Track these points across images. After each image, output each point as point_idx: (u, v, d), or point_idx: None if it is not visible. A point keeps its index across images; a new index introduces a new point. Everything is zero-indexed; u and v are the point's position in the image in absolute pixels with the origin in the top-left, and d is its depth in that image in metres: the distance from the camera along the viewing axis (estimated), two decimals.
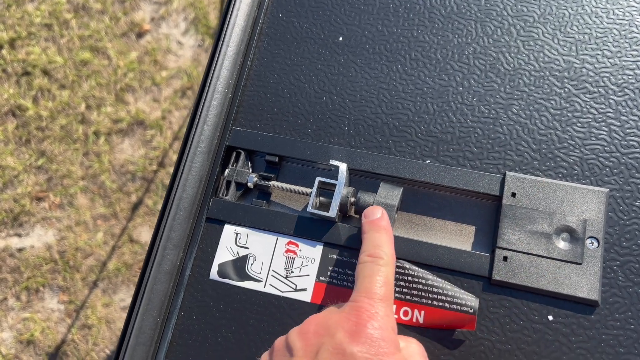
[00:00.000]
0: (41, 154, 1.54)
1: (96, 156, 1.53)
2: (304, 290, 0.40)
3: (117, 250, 1.44)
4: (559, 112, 0.42)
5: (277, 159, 0.43)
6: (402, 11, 0.46)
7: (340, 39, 0.46)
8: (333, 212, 0.40)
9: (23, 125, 1.59)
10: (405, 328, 0.38)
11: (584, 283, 0.37)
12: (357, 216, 0.42)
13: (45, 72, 1.65)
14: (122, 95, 1.59)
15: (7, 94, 1.60)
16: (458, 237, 0.41)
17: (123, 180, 1.50)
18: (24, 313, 1.40)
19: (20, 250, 1.46)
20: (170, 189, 0.41)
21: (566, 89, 0.42)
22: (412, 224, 0.42)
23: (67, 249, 1.44)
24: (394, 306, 0.38)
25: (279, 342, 0.33)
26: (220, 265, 0.41)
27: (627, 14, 0.44)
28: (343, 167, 0.41)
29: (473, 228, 0.41)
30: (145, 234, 1.42)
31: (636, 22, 0.43)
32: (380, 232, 0.36)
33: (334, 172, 0.42)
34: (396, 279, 0.39)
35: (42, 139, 1.56)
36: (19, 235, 1.48)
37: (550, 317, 0.37)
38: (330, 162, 0.41)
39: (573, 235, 0.38)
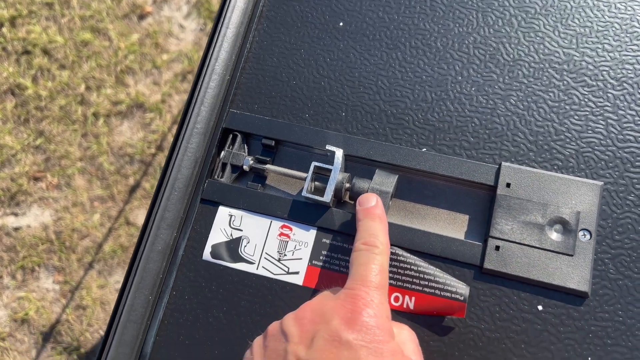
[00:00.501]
0: (39, 134, 1.54)
1: (95, 138, 1.52)
2: (297, 273, 0.40)
3: (114, 232, 1.44)
4: (556, 105, 0.42)
5: (273, 143, 0.43)
6: None
7: (341, 24, 0.46)
8: (327, 197, 0.40)
9: (22, 104, 1.58)
10: (395, 314, 0.38)
11: (574, 274, 0.37)
12: (352, 202, 0.42)
13: (46, 52, 1.64)
14: (122, 77, 1.58)
15: (7, 72, 1.59)
16: (451, 226, 0.41)
17: (121, 162, 1.50)
18: (19, 292, 1.40)
19: (16, 229, 1.46)
20: (165, 169, 0.41)
21: (565, 82, 0.42)
22: (406, 211, 0.42)
23: (63, 230, 1.45)
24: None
25: (273, 327, 0.34)
26: (214, 247, 0.41)
27: (629, 8, 0.43)
28: (339, 152, 0.41)
29: (467, 217, 0.41)
30: (142, 217, 1.42)
31: (637, 17, 0.43)
32: (375, 220, 0.36)
33: (329, 158, 0.42)
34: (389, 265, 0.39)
35: (41, 118, 1.55)
36: (16, 215, 1.48)
37: (540, 307, 0.37)
38: (327, 148, 0.41)
39: (566, 227, 0.38)
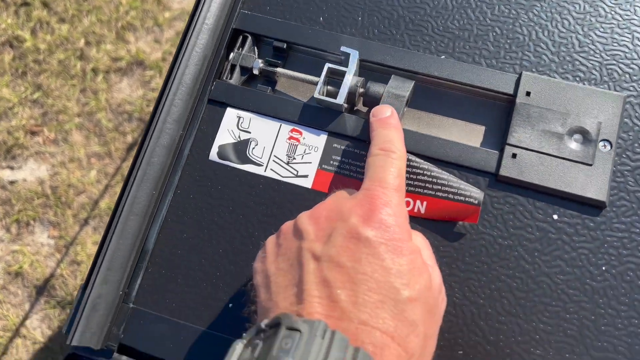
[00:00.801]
0: (37, 88, 1.51)
1: (93, 94, 1.50)
2: (306, 177, 0.39)
3: (110, 189, 1.42)
4: (581, 17, 0.40)
5: (285, 46, 0.42)
6: None
7: None
8: (341, 99, 0.38)
9: (20, 57, 1.55)
10: None
11: (592, 184, 0.36)
12: (365, 109, 0.41)
13: (45, 4, 1.60)
14: (123, 33, 1.55)
15: (5, 24, 1.55)
16: (467, 136, 0.40)
17: (119, 119, 1.48)
18: (14, 245, 1.39)
19: (12, 182, 1.44)
20: (173, 65, 0.40)
21: None
22: (422, 120, 0.41)
23: (59, 185, 1.43)
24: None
25: (287, 226, 0.32)
26: (221, 147, 0.40)
27: None
28: (354, 54, 0.39)
29: (483, 128, 0.40)
30: None
31: None
32: (391, 129, 0.35)
33: (344, 62, 0.40)
34: None
35: (39, 72, 1.52)
36: (12, 168, 1.46)
37: (555, 217, 0.36)
38: (342, 50, 0.39)
39: (586, 137, 0.37)
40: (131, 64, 1.51)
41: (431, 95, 0.41)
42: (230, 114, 0.40)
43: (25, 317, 1.32)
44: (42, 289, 1.36)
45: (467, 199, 0.36)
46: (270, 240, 0.32)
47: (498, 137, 0.39)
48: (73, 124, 1.45)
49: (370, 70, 0.42)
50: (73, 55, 1.51)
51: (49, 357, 1.29)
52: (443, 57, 0.40)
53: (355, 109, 0.41)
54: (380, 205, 0.30)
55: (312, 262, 0.28)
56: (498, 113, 0.40)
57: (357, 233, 0.28)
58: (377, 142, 0.34)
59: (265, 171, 0.39)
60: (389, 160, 0.33)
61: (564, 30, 0.40)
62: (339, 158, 0.39)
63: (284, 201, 0.38)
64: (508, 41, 0.40)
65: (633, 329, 0.34)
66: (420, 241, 0.34)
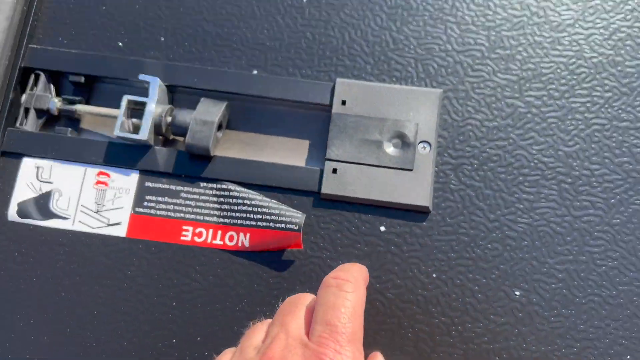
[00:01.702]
0: None
1: None
2: (118, 224, 0.35)
3: None
4: (393, 11, 0.38)
5: (83, 79, 0.37)
6: None
7: None
8: (144, 134, 0.35)
9: None
10: (232, 254, 0.35)
11: (415, 190, 0.35)
12: (181, 139, 0.38)
13: None
14: None
15: None
16: (292, 153, 0.38)
17: None
18: None
19: None
20: None
21: None
22: (242, 143, 0.38)
23: None
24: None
25: None
26: (20, 204, 0.36)
27: None
28: (155, 81, 0.36)
29: (307, 142, 0.38)
30: None
31: None
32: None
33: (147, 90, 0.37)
34: (221, 203, 0.35)
35: None
36: None
37: (383, 228, 0.35)
38: (140, 78, 0.36)
39: (404, 141, 0.36)
40: None
41: (251, 113, 0.38)
42: (27, 164, 0.36)
43: None
44: None
45: (288, 225, 0.34)
46: None
47: (322, 151, 0.37)
48: None
49: (182, 94, 0.38)
50: None
51: None
52: (255, 72, 0.38)
53: (171, 139, 0.38)
54: None
55: None
56: (321, 125, 0.38)
57: None
58: (334, 271, 0.29)
59: (73, 224, 0.35)
60: (341, 295, 0.27)
61: (377, 28, 0.38)
62: (154, 198, 0.36)
63: (97, 255, 0.35)
64: (321, 47, 0.38)
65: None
66: None
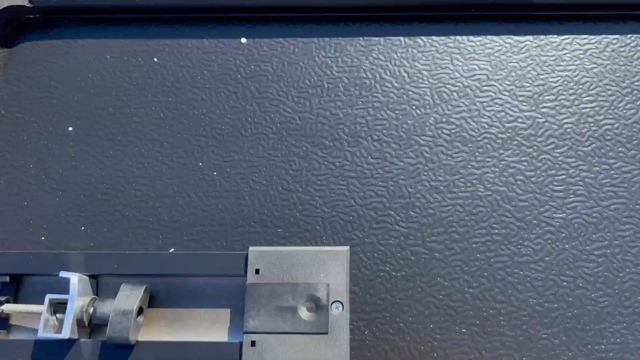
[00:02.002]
0: None
1: None
2: None
3: None
4: (298, 173, 0.41)
5: (8, 279, 0.39)
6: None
7: (70, 128, 0.43)
8: (66, 333, 0.36)
9: None
10: None
11: (332, 353, 0.36)
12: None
13: None
14: None
15: None
16: (215, 325, 0.39)
17: None
18: None
19: None
20: None
21: (304, 147, 0.42)
22: (166, 320, 0.39)
23: None
24: None
25: None
26: None
27: (355, 59, 0.44)
28: (74, 278, 0.37)
29: (228, 311, 0.39)
30: None
31: (364, 67, 0.43)
32: None
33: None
34: None
35: None
36: None
37: None
38: (61, 275, 0.37)
39: (318, 304, 0.37)
40: None
41: (173, 289, 0.40)
42: None
43: None
44: None
45: None
46: None
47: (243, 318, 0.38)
48: None
49: (107, 279, 0.40)
50: None
51: None
52: (172, 249, 0.39)
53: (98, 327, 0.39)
54: None
55: None
56: (239, 292, 0.39)
57: None
58: None
59: None
60: None
61: (285, 192, 0.40)
62: None
63: None
64: (233, 216, 0.40)
65: None
66: None
